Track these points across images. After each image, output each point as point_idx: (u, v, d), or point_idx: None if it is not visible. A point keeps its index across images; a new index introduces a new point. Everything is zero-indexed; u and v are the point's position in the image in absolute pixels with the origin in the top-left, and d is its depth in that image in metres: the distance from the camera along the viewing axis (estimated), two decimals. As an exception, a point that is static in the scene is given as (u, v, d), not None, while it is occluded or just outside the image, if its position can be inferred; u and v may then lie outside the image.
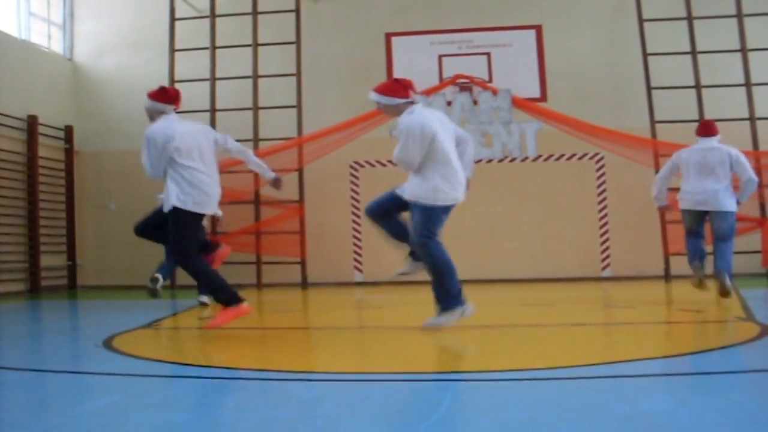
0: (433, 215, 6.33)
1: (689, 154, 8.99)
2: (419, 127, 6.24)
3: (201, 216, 6.62)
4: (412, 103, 6.48)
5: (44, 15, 15.09)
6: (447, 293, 6.29)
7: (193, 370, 4.84)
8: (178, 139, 6.44)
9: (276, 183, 7.07)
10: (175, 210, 6.38)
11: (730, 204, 8.73)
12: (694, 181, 8.84)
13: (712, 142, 8.96)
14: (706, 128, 9.10)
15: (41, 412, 3.69)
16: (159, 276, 8.43)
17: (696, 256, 8.89)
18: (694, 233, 8.95)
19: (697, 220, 8.90)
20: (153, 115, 6.74)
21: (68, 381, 4.60)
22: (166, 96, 6.76)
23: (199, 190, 6.46)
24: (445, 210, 6.40)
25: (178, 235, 6.44)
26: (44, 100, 14.39)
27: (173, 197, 6.39)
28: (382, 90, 6.54)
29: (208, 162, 6.64)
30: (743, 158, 8.85)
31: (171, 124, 6.58)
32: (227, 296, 6.46)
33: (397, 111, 6.47)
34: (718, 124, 12.79)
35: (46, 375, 4.81)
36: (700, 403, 3.52)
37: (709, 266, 8.95)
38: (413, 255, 6.57)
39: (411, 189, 6.33)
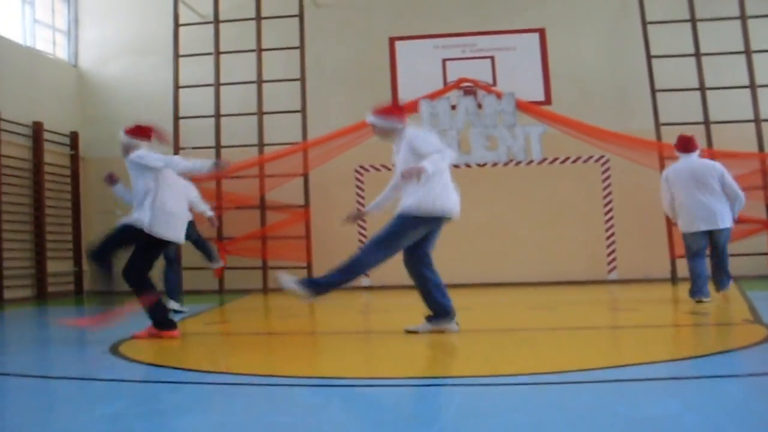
0: (410, 227, 6.34)
1: (675, 173, 9.03)
2: (429, 132, 6.55)
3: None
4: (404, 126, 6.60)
5: (49, 22, 15.12)
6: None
7: (199, 376, 4.84)
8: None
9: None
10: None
11: (729, 220, 8.85)
12: (690, 198, 8.86)
13: (693, 156, 8.98)
14: (687, 144, 9.09)
15: (48, 419, 3.70)
16: (173, 305, 8.81)
17: (705, 282, 8.88)
18: (700, 254, 8.95)
19: (703, 240, 8.93)
20: (128, 150, 6.87)
21: (75, 387, 4.61)
22: (141, 132, 6.91)
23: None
24: (432, 222, 6.39)
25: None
26: (49, 106, 14.42)
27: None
28: (382, 112, 6.63)
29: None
30: (728, 175, 8.90)
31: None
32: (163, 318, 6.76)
33: (392, 134, 6.56)
34: (723, 127, 12.88)
35: (53, 381, 4.82)
36: (707, 407, 3.51)
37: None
38: (429, 317, 6.55)
39: (411, 200, 6.34)
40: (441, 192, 6.33)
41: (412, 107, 12.89)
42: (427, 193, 6.27)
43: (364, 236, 14.06)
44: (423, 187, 6.26)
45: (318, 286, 6.40)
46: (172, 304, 9.31)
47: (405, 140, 6.42)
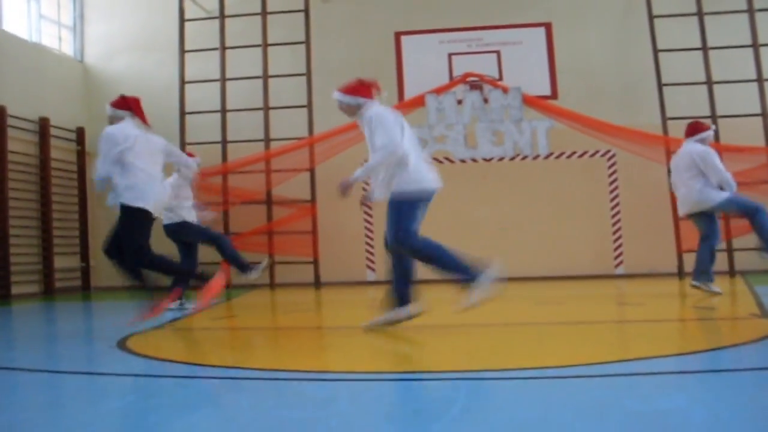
0: (410, 209, 6.29)
1: (672, 159, 9.22)
2: (388, 111, 6.44)
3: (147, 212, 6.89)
4: (370, 102, 6.55)
5: (55, 17, 15.15)
6: (459, 270, 6.21)
7: (207, 371, 4.85)
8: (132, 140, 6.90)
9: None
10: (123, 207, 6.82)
11: (703, 203, 8.78)
12: (675, 182, 9.13)
13: (689, 143, 9.02)
14: (686, 130, 9.24)
15: (56, 414, 3.70)
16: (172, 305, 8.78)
17: (699, 268, 8.92)
18: (701, 238, 9.00)
19: (697, 223, 9.02)
20: (113, 122, 7.21)
21: (83, 382, 4.62)
22: (124, 103, 7.02)
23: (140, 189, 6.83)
24: (421, 204, 6.33)
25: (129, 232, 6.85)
26: (56, 102, 14.45)
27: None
28: (344, 89, 6.66)
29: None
30: (710, 158, 8.83)
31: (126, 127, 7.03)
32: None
33: (356, 110, 6.58)
34: (729, 120, 12.82)
35: (60, 376, 4.82)
36: (715, 401, 3.51)
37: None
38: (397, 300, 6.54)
39: (389, 186, 6.32)
40: (413, 174, 6.27)
41: (419, 102, 12.90)
42: (401, 178, 6.25)
43: (371, 231, 14.08)
44: (397, 173, 6.25)
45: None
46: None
47: (365, 119, 6.42)
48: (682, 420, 3.16)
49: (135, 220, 6.81)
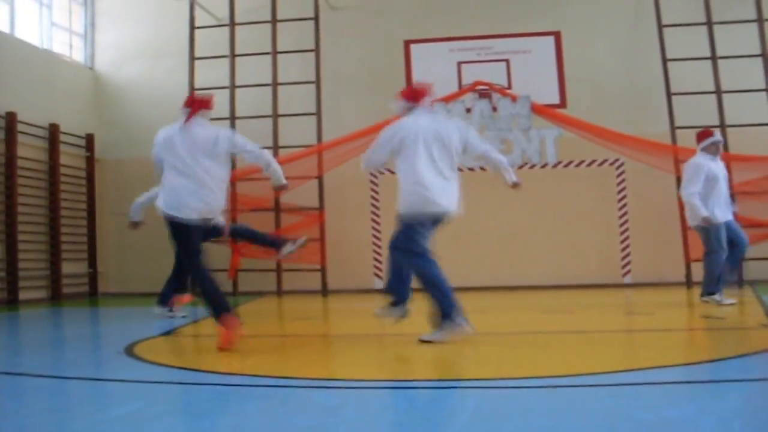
0: (410, 226, 6.29)
1: None
2: (393, 128, 6.44)
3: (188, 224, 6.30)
4: (414, 108, 6.52)
5: (66, 25, 15.20)
6: (440, 307, 6.16)
7: (214, 378, 4.85)
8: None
9: (281, 189, 6.87)
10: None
11: (697, 218, 8.93)
12: None
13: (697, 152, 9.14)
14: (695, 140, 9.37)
15: (63, 419, 3.71)
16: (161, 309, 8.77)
17: (707, 280, 9.00)
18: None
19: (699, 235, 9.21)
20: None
21: (90, 388, 4.62)
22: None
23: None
24: (422, 223, 6.29)
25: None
26: (66, 108, 14.50)
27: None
28: (399, 93, 6.71)
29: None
30: (686, 172, 9.05)
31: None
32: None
33: (406, 113, 6.55)
34: (738, 130, 12.79)
35: (67, 382, 4.83)
36: (724, 411, 3.49)
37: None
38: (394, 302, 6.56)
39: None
40: (410, 191, 6.27)
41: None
42: (401, 194, 6.32)
43: (378, 239, 14.06)
44: (401, 189, 6.33)
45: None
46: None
47: None
48: (691, 430, 3.15)
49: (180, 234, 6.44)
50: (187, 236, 6.21)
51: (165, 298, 9.08)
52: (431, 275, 6.18)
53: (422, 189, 6.23)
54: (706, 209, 8.72)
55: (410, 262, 6.31)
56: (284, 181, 6.40)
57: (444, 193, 6.29)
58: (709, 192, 8.81)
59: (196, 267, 6.23)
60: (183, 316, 8.97)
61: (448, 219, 6.38)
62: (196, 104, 6.46)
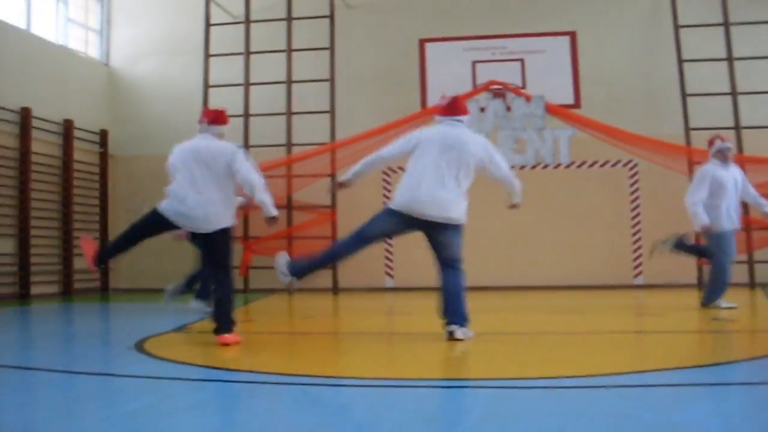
0: (384, 210, 6.60)
1: None
2: (415, 132, 6.68)
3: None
4: (444, 120, 6.65)
5: (82, 21, 15.26)
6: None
7: (224, 374, 4.86)
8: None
9: (270, 221, 6.82)
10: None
11: (695, 225, 8.97)
12: None
13: None
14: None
15: (73, 414, 3.72)
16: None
17: (709, 289, 9.03)
18: None
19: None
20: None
21: (100, 383, 4.64)
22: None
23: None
24: (392, 213, 6.47)
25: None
26: (80, 104, 14.55)
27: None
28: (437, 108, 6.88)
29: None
30: (694, 179, 9.08)
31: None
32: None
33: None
34: (753, 132, 12.72)
35: (78, 377, 4.85)
36: (732, 414, 3.48)
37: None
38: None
39: None
40: (403, 185, 6.46)
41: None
42: (398, 186, 6.53)
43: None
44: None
45: (299, 271, 6.44)
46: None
47: None
48: (699, 433, 3.14)
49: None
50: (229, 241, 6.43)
51: (203, 293, 9.32)
52: (337, 251, 6.87)
53: (413, 187, 6.35)
54: (707, 217, 8.66)
55: (349, 237, 6.65)
56: (273, 213, 6.38)
57: (435, 200, 6.31)
58: (715, 199, 8.74)
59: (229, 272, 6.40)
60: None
61: (433, 227, 6.37)
62: (210, 118, 6.58)
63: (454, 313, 6.24)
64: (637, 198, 13.86)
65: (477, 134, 6.86)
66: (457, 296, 6.30)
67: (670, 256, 9.88)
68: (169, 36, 15.58)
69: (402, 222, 6.39)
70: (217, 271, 6.35)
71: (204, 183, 6.25)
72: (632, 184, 13.88)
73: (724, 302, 8.73)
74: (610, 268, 13.77)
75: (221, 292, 6.27)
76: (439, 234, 6.37)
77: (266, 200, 6.38)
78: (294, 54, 14.20)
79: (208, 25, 14.52)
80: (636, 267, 13.78)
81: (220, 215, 6.27)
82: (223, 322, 6.17)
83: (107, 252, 6.76)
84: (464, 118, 6.66)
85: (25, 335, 7.87)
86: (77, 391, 4.36)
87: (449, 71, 13.40)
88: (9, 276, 12.58)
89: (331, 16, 14.15)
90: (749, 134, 12.79)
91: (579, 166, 13.80)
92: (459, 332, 6.11)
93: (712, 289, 8.81)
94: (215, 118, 6.61)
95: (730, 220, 8.73)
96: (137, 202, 13.28)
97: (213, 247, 6.35)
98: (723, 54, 13.18)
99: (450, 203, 6.33)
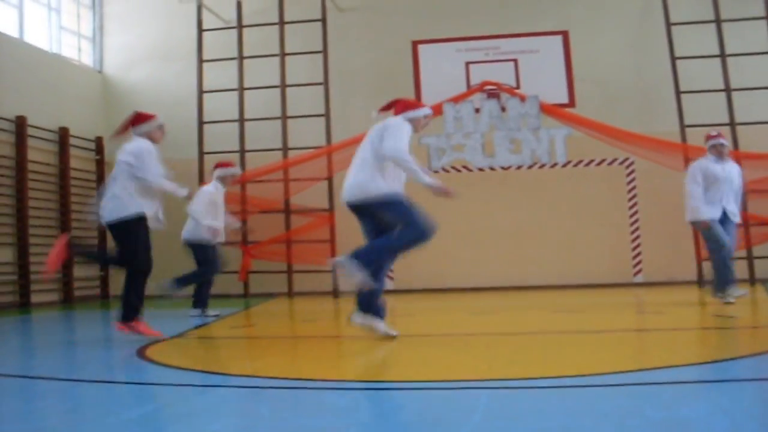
0: None
1: None
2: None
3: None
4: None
5: (74, 29, 15.26)
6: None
7: (226, 380, 4.85)
8: None
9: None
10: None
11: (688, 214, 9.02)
12: None
13: None
14: None
15: (76, 422, 3.72)
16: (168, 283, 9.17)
17: (717, 279, 8.99)
18: None
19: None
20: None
21: (102, 390, 4.63)
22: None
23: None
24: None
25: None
26: (75, 112, 14.55)
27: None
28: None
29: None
30: (688, 176, 9.07)
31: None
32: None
33: None
34: (748, 128, 12.76)
35: (80, 384, 4.84)
36: (736, 411, 3.48)
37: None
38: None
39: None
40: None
41: (436, 110, 12.89)
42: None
43: (388, 240, 14.03)
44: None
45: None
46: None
47: None
48: (704, 429, 3.14)
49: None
50: None
51: (200, 301, 9.55)
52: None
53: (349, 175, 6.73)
54: (708, 214, 8.72)
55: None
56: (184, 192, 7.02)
57: (347, 183, 6.71)
58: (710, 193, 8.80)
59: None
60: (215, 315, 9.45)
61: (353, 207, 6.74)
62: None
63: (356, 251, 6.55)
64: (634, 195, 13.88)
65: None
66: (374, 245, 6.71)
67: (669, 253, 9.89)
68: (161, 42, 15.59)
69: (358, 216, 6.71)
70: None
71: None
72: (629, 182, 13.91)
73: (734, 293, 8.73)
74: (609, 267, 13.79)
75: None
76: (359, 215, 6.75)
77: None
78: (287, 58, 14.22)
79: (200, 30, 14.53)
80: (635, 265, 13.80)
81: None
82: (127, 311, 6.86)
83: (84, 251, 7.31)
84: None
85: (27, 344, 7.86)
86: (80, 399, 4.35)
87: (443, 72, 13.43)
88: (9, 285, 12.57)
89: (323, 20, 14.16)
90: (744, 130, 12.82)
91: (575, 166, 13.82)
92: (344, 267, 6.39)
93: (715, 279, 8.86)
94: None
95: (711, 210, 8.76)
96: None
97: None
98: (716, 51, 13.20)
99: (350, 180, 6.73)
